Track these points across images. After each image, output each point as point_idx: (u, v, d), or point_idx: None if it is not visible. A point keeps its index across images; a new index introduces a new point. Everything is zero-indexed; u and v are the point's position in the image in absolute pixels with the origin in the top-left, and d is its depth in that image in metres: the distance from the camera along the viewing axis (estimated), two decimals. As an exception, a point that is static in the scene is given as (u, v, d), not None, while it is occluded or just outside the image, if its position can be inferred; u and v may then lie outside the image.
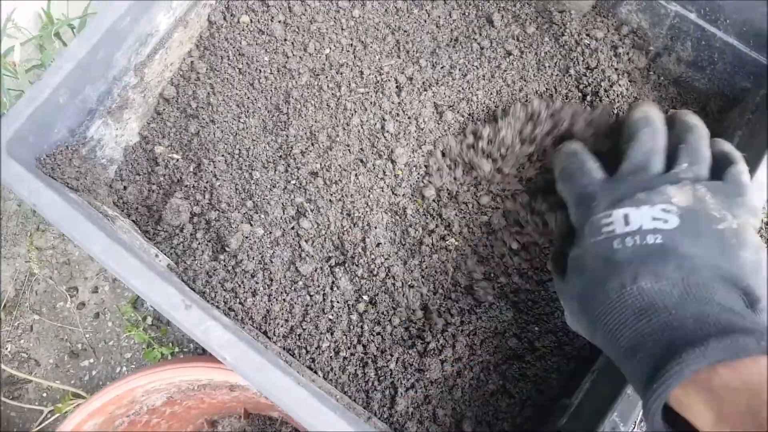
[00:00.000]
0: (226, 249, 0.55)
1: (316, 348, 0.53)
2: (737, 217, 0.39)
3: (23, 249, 0.89)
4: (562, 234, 0.47)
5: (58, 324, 0.86)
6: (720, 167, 0.42)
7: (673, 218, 0.38)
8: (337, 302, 0.54)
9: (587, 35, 0.59)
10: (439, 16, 0.62)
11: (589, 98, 0.57)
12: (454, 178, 0.56)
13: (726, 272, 0.37)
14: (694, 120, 0.45)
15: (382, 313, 0.54)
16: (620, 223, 0.39)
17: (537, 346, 0.52)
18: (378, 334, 0.53)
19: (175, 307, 0.44)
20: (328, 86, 0.60)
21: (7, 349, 0.86)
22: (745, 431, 0.29)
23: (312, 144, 0.59)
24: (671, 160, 0.42)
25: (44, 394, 0.86)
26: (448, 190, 0.56)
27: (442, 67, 0.60)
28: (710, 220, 0.38)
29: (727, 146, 0.43)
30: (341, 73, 0.60)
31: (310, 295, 0.55)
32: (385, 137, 0.58)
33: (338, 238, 0.56)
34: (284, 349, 0.52)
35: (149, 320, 0.85)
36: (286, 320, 0.53)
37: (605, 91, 0.57)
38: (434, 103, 0.59)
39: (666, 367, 0.32)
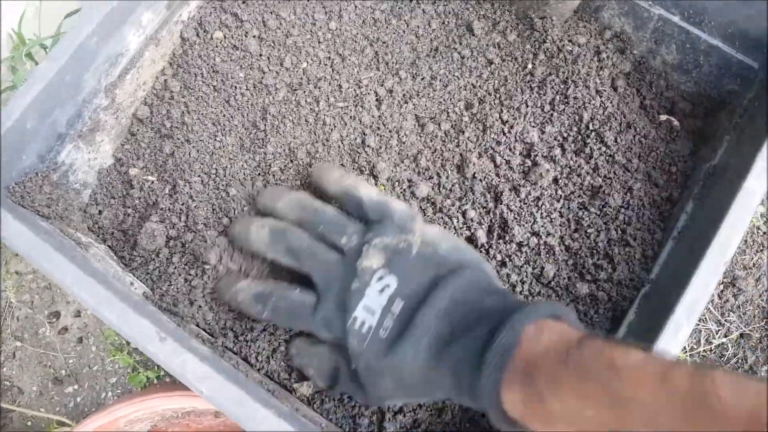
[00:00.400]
0: (206, 266, 0.53)
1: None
2: (409, 231, 0.44)
3: (1, 274, 0.86)
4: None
5: (41, 350, 0.84)
6: (356, 206, 0.47)
7: (390, 279, 0.42)
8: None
9: (569, 41, 0.57)
10: (418, 26, 0.61)
11: (571, 103, 0.55)
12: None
13: (446, 274, 0.42)
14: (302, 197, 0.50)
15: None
16: (368, 316, 0.42)
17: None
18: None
19: (149, 340, 0.43)
20: (306, 101, 0.59)
21: (-11, 377, 0.84)
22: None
23: (291, 161, 0.57)
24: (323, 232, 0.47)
25: (29, 423, 0.83)
26: (432, 203, 0.55)
27: (422, 78, 0.59)
28: (405, 254, 0.43)
29: (341, 185, 0.49)
30: (319, 88, 0.59)
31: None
32: (366, 152, 0.56)
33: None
34: (267, 374, 0.50)
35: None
36: (269, 342, 0.52)
37: (590, 100, 0.55)
38: (415, 115, 0.58)
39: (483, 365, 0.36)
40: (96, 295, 0.44)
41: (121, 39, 0.54)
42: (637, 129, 0.55)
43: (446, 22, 0.61)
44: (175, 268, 0.53)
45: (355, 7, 0.61)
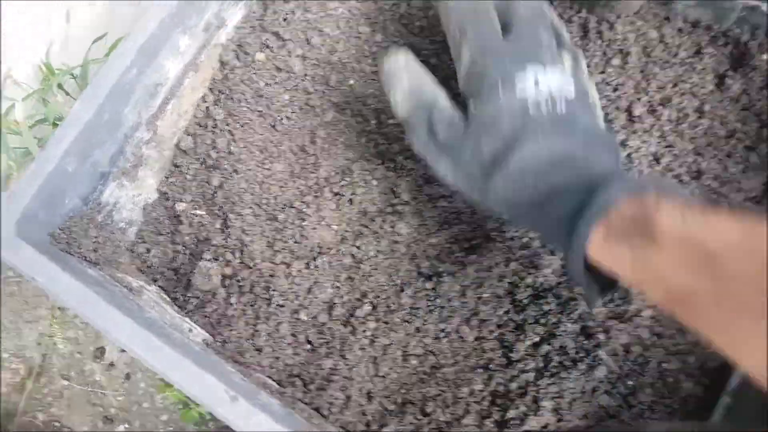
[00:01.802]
0: (269, 304, 0.49)
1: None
2: (591, 89, 0.42)
3: (45, 311, 0.84)
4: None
5: (89, 388, 0.82)
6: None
7: (570, 88, 0.39)
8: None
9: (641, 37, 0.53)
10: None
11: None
12: None
13: (603, 137, 0.40)
14: None
15: (451, 374, 0.48)
16: (531, 85, 0.39)
17: (633, 403, 0.45)
18: (445, 404, 0.47)
19: (219, 401, 0.39)
20: (356, 121, 0.55)
21: (38, 419, 0.82)
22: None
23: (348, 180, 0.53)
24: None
25: (81, 463, 0.81)
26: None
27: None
28: (585, 95, 0.41)
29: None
30: (368, 105, 0.55)
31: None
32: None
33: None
34: (342, 426, 0.47)
35: (183, 376, 0.80)
36: (341, 390, 0.48)
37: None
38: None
39: (591, 199, 0.34)
40: (156, 353, 0.41)
41: (159, 68, 0.51)
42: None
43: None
44: (235, 309, 0.50)
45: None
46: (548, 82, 0.39)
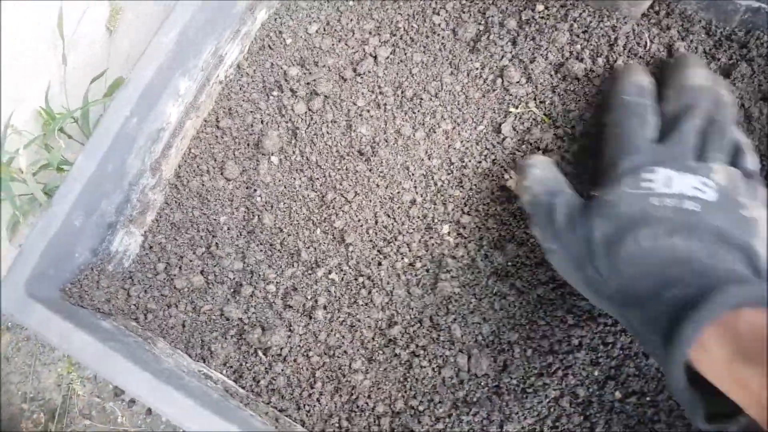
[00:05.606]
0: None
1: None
2: (754, 208, 0.39)
3: (62, 353, 0.84)
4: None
5: (111, 426, 0.82)
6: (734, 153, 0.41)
7: (711, 193, 0.38)
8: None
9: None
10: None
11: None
12: None
13: (745, 248, 0.37)
14: (728, 97, 0.43)
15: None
16: (661, 182, 0.38)
17: None
18: None
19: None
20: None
21: (62, 460, 0.82)
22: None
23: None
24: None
25: (108, 502, 0.81)
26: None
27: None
28: (738, 205, 0.38)
29: (739, 134, 0.42)
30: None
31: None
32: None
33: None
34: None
35: (204, 408, 0.80)
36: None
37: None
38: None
39: (700, 303, 0.31)
40: (176, 406, 0.41)
41: (161, 113, 0.50)
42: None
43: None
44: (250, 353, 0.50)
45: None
46: (681, 184, 0.38)
